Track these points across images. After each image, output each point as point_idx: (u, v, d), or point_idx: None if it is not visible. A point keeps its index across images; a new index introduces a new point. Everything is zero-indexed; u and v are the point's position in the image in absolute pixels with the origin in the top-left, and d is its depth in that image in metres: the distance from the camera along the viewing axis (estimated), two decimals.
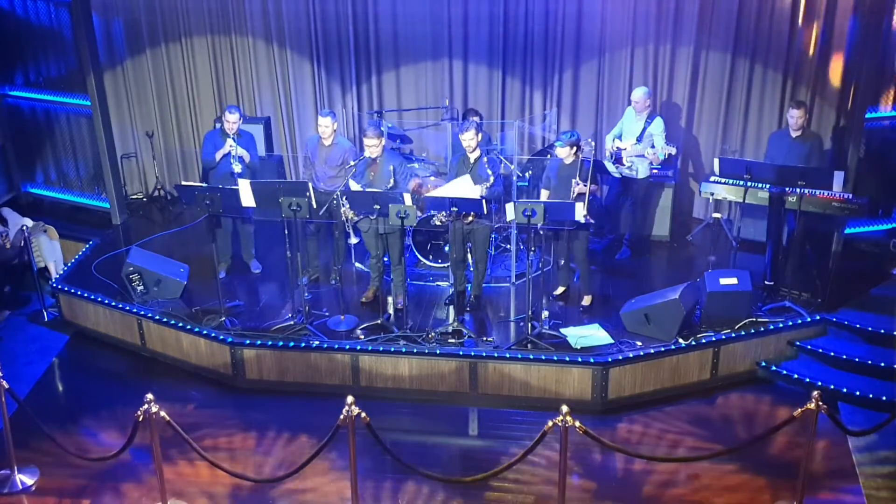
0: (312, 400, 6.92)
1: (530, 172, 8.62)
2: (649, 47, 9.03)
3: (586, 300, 7.72)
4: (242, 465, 6.17)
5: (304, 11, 9.51)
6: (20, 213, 9.20)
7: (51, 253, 8.80)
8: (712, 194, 8.23)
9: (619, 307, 7.41)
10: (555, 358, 6.72)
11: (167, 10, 9.72)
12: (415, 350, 6.90)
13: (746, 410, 6.73)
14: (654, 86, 9.08)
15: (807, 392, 5.57)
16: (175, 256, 8.30)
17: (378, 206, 6.97)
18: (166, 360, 7.49)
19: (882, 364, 6.76)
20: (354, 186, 7.32)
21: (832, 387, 6.66)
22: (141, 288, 7.84)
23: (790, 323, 7.09)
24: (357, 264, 8.54)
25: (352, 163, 7.44)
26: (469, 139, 7.23)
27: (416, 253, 8.38)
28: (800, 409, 5.27)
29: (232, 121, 7.92)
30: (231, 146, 7.92)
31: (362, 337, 7.23)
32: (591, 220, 7.34)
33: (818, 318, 7.18)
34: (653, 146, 8.16)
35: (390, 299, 7.67)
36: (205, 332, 7.20)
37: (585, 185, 7.18)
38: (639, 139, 8.27)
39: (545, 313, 7.37)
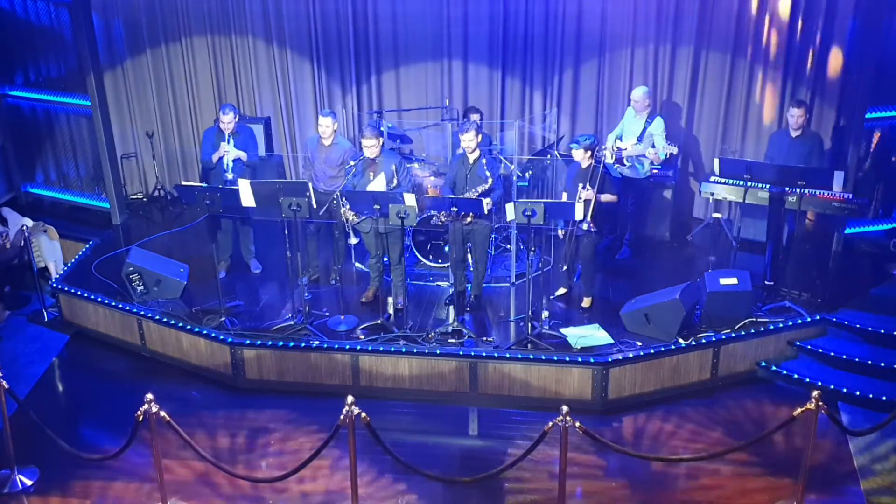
0: (312, 400, 6.91)
1: (530, 172, 8.62)
2: (649, 47, 9.02)
3: (586, 302, 7.72)
4: (242, 465, 6.17)
5: (303, 11, 9.50)
6: (20, 213, 9.21)
7: (51, 253, 8.80)
8: (712, 194, 8.24)
9: (619, 307, 7.41)
10: (555, 358, 6.71)
11: (167, 10, 9.72)
12: (415, 350, 6.89)
13: (746, 410, 6.72)
14: (654, 86, 9.07)
15: (807, 392, 5.56)
16: (175, 256, 8.29)
17: (378, 206, 6.97)
18: (166, 360, 7.48)
19: (882, 364, 6.77)
20: (374, 186, 7.24)
21: (832, 387, 6.66)
22: (141, 288, 7.84)
23: (790, 323, 7.08)
24: (357, 264, 8.54)
25: (351, 163, 7.44)
26: (469, 140, 7.23)
27: (416, 253, 8.37)
28: (800, 409, 5.27)
29: (227, 121, 7.88)
30: (225, 151, 7.89)
31: (362, 337, 7.23)
32: (594, 228, 7.34)
33: (818, 318, 7.17)
34: (653, 146, 8.16)
35: (390, 299, 7.66)
36: (205, 332, 7.20)
37: (592, 192, 7.18)
38: (639, 139, 8.26)
39: (545, 313, 7.37)
